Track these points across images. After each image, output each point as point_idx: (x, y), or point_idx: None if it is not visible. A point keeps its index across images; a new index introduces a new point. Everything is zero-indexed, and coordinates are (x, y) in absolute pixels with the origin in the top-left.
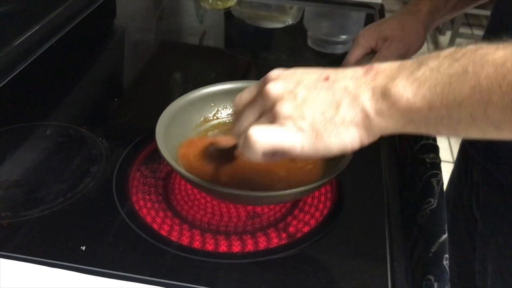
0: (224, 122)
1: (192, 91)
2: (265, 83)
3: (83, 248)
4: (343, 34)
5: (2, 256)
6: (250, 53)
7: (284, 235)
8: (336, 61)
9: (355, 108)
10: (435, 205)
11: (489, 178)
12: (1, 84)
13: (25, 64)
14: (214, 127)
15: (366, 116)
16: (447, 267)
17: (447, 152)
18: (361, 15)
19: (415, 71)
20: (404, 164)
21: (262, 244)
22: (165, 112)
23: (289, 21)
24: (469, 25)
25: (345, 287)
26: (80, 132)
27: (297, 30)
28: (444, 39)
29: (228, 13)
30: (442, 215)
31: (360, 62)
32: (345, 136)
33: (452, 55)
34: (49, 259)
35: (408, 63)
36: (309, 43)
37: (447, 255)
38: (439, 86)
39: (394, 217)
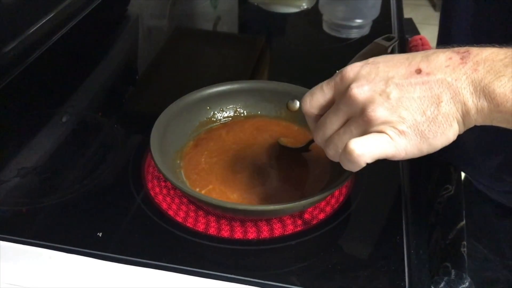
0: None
1: (186, 95)
2: (343, 84)
3: (100, 234)
4: (359, 19)
5: (20, 242)
6: (265, 38)
7: (299, 222)
8: (351, 46)
9: (456, 104)
10: (452, 191)
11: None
12: (17, 72)
13: (40, 52)
14: (211, 130)
15: (467, 112)
16: (465, 254)
17: None
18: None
19: None
20: None
21: (278, 231)
22: (158, 121)
23: (304, 5)
24: None
25: (362, 274)
26: (95, 119)
27: (312, 14)
28: None
29: None
30: (460, 202)
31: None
32: (450, 133)
33: None
34: (66, 245)
35: None
36: (324, 27)
37: (465, 242)
38: None
39: (410, 204)
